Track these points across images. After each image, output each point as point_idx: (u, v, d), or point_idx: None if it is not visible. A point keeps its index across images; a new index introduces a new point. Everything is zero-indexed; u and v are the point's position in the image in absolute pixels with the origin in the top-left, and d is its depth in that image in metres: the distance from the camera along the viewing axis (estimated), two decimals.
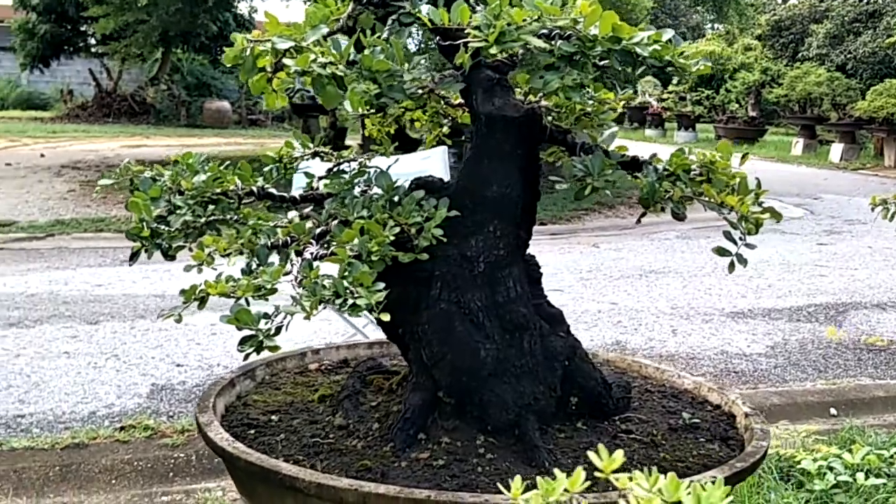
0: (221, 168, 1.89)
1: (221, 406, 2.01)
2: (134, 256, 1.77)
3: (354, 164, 2.04)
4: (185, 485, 3.52)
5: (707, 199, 1.73)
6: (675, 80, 25.48)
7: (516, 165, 1.86)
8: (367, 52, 1.63)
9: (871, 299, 6.90)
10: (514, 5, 1.62)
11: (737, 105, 23.48)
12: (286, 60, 1.56)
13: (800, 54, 26.85)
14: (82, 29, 20.81)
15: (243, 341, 1.46)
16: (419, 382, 1.94)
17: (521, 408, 1.89)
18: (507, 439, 1.88)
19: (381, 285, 1.48)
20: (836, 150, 19.49)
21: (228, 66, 1.64)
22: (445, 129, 2.27)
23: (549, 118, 2.00)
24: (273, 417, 1.97)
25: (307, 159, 2.14)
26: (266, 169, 2.00)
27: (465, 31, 1.63)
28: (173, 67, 23.78)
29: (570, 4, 1.63)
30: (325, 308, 1.48)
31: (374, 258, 1.53)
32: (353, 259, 1.50)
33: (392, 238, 1.58)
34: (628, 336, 5.60)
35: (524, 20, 1.53)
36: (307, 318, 1.43)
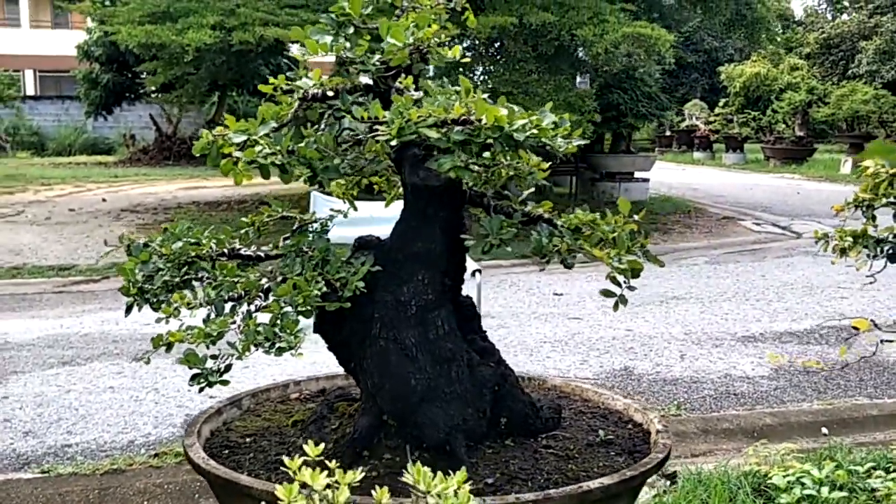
0: (206, 233, 2.30)
1: (207, 431, 2.41)
2: (128, 310, 2.19)
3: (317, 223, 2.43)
4: None
5: (585, 251, 2.08)
6: (721, 103, 25.56)
7: (439, 226, 2.24)
8: (303, 143, 2.04)
9: (888, 320, 7.05)
10: (421, 99, 2.01)
11: (783, 125, 23.43)
12: (236, 153, 1.97)
13: (849, 72, 26.65)
14: (142, 77, 21.83)
15: (193, 378, 1.86)
16: (367, 408, 2.31)
17: (451, 428, 2.25)
18: (439, 455, 2.23)
19: (303, 328, 1.86)
20: None
21: None
22: (401, 190, 2.66)
23: (481, 181, 2.38)
24: (248, 440, 2.37)
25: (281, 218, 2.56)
26: (242, 232, 2.41)
27: (381, 123, 2.01)
28: (230, 110, 24.72)
29: (466, 98, 2.01)
30: (257, 350, 1.87)
31: (301, 308, 1.91)
32: (287, 309, 1.88)
33: (318, 292, 1.97)
34: (637, 362, 5.88)
35: (419, 117, 1.91)
36: (239, 358, 1.82)
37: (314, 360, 5.00)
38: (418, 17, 2.11)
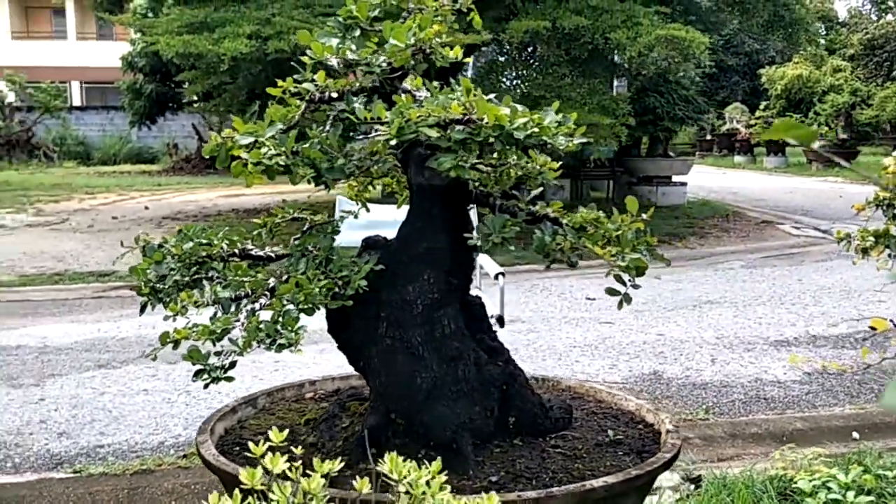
0: (219, 234, 2.35)
1: (221, 428, 2.46)
2: (142, 309, 2.25)
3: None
4: None
5: (588, 249, 2.08)
6: (762, 106, 25.26)
7: (444, 225, 2.26)
8: (307, 143, 2.07)
9: None
10: (424, 100, 2.03)
11: (826, 128, 23.09)
12: (243, 154, 2.01)
13: (894, 73, 26.18)
14: (183, 87, 22.19)
15: (197, 373, 1.90)
16: (375, 406, 2.34)
17: (458, 426, 2.26)
18: (446, 453, 2.25)
19: (304, 325, 1.90)
20: None
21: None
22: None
23: (491, 181, 2.39)
24: (260, 438, 2.40)
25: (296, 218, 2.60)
26: (255, 233, 2.46)
27: (384, 123, 2.04)
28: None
29: (466, 97, 2.03)
30: (259, 347, 1.90)
31: (302, 306, 1.94)
32: (290, 307, 1.92)
33: (319, 290, 1.99)
34: (667, 366, 5.84)
35: (419, 116, 1.94)
36: (240, 354, 1.86)
37: (341, 362, 5.06)
38: (421, 18, 2.13)
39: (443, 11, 2.28)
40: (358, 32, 2.24)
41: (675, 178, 14.81)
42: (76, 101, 33.42)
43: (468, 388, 2.30)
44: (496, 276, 4.38)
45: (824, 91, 23.72)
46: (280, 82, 2.21)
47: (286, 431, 2.49)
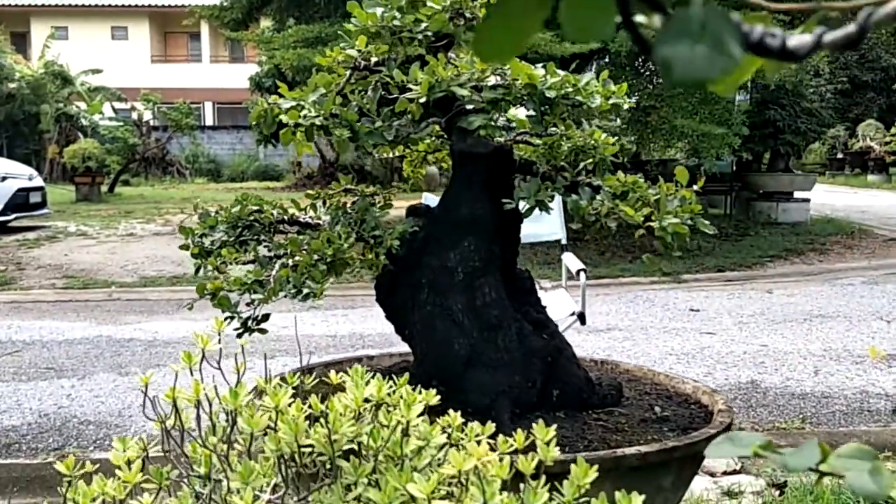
0: (268, 202, 2.43)
1: None
2: (197, 271, 2.34)
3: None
4: None
5: (620, 212, 2.03)
6: None
7: (486, 193, 2.25)
8: (346, 107, 2.12)
9: None
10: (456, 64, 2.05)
11: None
12: (282, 117, 2.07)
13: None
14: None
15: (226, 320, 1.96)
16: (417, 373, 2.34)
17: (497, 394, 2.25)
18: (483, 419, 2.23)
19: (329, 280, 1.93)
20: None
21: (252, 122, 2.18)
22: None
23: (545, 156, 2.38)
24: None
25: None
26: (307, 203, 2.52)
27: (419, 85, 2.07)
28: None
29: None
30: (284, 296, 1.95)
31: (329, 261, 1.98)
32: (318, 261, 1.96)
33: (347, 245, 2.02)
34: (766, 376, 5.60)
35: (449, 76, 1.95)
36: (265, 301, 1.91)
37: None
38: None
39: None
40: (404, 1, 2.28)
41: (797, 195, 14.23)
42: (209, 122, 35.02)
43: (509, 358, 2.28)
44: (577, 273, 4.33)
45: None
46: (328, 51, 2.26)
47: None
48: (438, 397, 2.40)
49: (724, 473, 4.07)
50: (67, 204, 17.25)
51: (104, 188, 19.51)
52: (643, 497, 1.88)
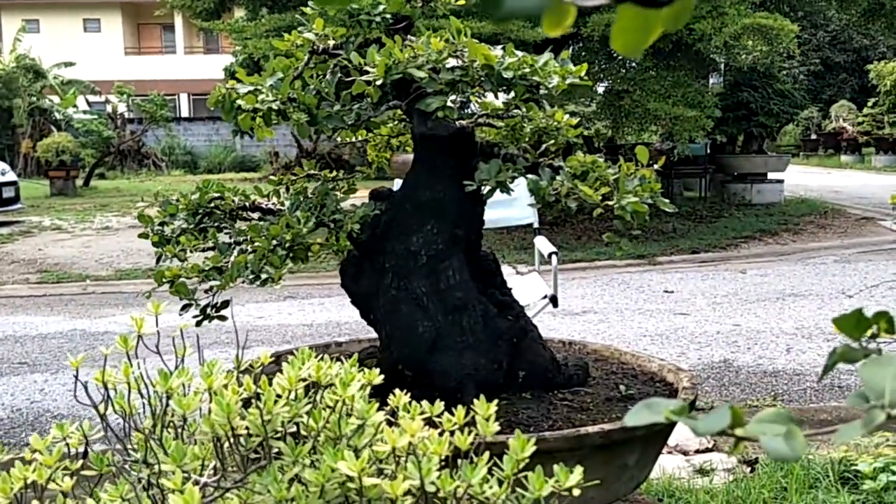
0: (230, 189, 2.41)
1: None
2: (158, 259, 2.33)
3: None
4: None
5: (579, 192, 2.04)
6: (870, 103, 24.23)
7: (448, 175, 2.25)
8: (304, 90, 2.11)
9: None
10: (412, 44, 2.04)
11: None
12: (239, 101, 2.06)
13: None
14: None
15: (184, 308, 1.95)
16: (383, 358, 2.35)
17: (463, 376, 2.26)
18: (450, 403, 2.24)
19: (288, 266, 1.93)
20: None
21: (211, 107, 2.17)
22: None
23: (507, 138, 2.38)
24: None
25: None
26: (270, 190, 2.51)
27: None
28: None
29: (458, 40, 2.02)
30: (242, 282, 1.94)
31: (288, 246, 1.97)
32: (276, 247, 1.96)
33: (307, 230, 2.02)
34: (738, 355, 5.65)
35: (406, 58, 1.94)
36: (223, 287, 1.90)
37: None
38: None
39: None
40: None
41: (771, 176, 14.33)
42: (184, 113, 34.74)
43: (474, 340, 2.29)
44: (549, 256, 4.34)
45: None
46: (287, 35, 2.25)
47: None
48: (382, 378, 2.41)
49: (697, 452, 4.10)
50: (42, 199, 17.09)
51: (79, 182, 19.32)
52: (606, 473, 1.90)
